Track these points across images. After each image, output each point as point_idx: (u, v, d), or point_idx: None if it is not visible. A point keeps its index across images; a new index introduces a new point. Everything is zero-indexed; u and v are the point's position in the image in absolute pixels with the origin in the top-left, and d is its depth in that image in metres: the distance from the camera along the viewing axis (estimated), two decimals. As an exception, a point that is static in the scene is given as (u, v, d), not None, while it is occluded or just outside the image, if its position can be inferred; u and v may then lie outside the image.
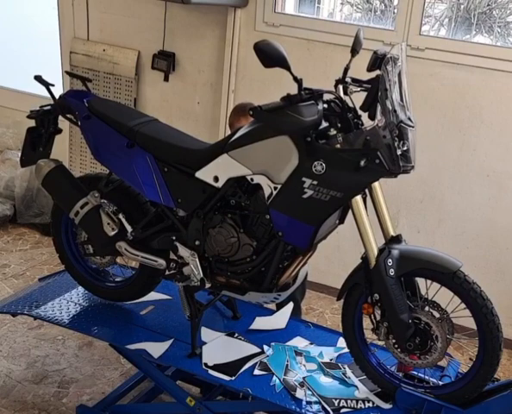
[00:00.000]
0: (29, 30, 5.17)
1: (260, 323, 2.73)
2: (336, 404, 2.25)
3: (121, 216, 2.52)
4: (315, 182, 2.07)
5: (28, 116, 2.62)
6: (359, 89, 2.22)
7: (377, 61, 2.11)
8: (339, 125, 2.11)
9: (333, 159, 2.06)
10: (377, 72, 2.08)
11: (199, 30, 4.13)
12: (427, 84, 3.62)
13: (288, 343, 2.59)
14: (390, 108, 2.01)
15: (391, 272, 2.09)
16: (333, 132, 2.08)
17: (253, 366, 2.41)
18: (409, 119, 2.08)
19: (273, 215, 2.18)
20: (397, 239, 2.20)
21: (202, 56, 4.18)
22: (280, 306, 2.85)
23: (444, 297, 2.19)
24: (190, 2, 3.69)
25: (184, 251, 2.40)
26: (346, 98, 2.18)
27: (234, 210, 2.31)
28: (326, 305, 4.05)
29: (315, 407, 2.24)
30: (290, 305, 2.84)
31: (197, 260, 2.38)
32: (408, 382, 2.27)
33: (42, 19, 5.03)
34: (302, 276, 2.51)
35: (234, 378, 2.35)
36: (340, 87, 2.22)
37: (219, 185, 2.28)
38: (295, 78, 2.06)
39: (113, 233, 2.50)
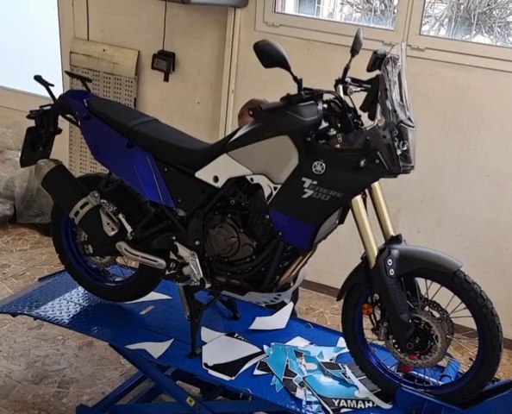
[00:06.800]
0: (29, 30, 5.17)
1: (260, 322, 2.73)
2: (336, 404, 2.25)
3: (120, 216, 2.52)
4: (314, 182, 2.07)
5: (28, 116, 2.61)
6: (358, 89, 2.22)
7: (377, 61, 2.11)
8: (339, 125, 2.11)
9: (333, 160, 2.06)
10: (377, 72, 2.08)
11: (199, 30, 4.13)
12: (427, 84, 3.62)
13: (288, 343, 2.59)
14: (390, 108, 2.01)
15: (391, 272, 2.09)
16: (333, 132, 2.08)
17: (253, 366, 2.41)
18: (409, 119, 2.08)
19: (273, 215, 2.17)
20: (397, 239, 2.20)
21: (202, 56, 4.18)
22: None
23: (444, 297, 2.19)
24: (190, 2, 3.69)
25: (183, 251, 2.40)
26: (346, 98, 2.18)
27: (234, 210, 2.31)
28: (326, 305, 4.04)
29: (315, 407, 2.24)
30: (291, 305, 2.84)
31: (197, 260, 2.38)
32: (408, 382, 2.27)
33: (42, 19, 5.03)
34: (303, 276, 2.51)
35: (234, 378, 2.35)
36: (340, 87, 2.21)
37: (219, 184, 2.28)
38: (295, 78, 2.06)
39: (113, 233, 2.50)
